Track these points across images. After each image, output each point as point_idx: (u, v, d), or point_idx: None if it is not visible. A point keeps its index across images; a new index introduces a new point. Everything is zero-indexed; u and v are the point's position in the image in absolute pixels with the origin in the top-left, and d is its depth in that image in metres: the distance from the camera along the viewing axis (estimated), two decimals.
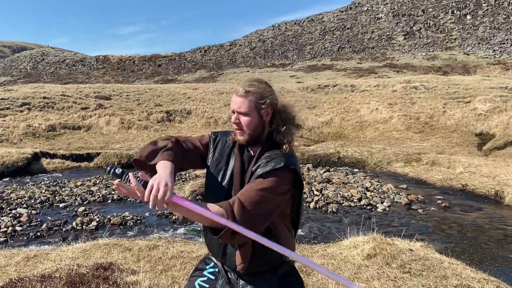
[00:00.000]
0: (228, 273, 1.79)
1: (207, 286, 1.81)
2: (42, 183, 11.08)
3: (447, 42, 65.78)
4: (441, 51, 62.06)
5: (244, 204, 1.55)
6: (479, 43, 62.59)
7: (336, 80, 32.39)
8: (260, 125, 1.75)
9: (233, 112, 1.76)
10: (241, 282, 1.76)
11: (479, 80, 25.49)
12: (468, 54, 57.82)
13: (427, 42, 67.28)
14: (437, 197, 9.21)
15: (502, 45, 59.75)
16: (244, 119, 1.73)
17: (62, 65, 79.91)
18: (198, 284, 1.83)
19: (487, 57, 54.77)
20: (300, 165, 13.02)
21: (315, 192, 9.59)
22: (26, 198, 9.13)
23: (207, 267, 1.86)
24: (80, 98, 24.45)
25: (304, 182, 1.86)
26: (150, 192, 1.45)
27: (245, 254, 1.71)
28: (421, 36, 70.34)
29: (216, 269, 1.84)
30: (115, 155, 14.38)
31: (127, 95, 26.52)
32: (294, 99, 24.61)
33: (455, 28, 69.73)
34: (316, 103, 24.05)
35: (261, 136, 1.76)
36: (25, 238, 6.77)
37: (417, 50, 64.64)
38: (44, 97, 23.45)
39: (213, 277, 1.83)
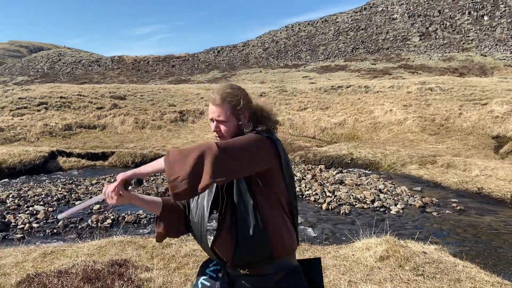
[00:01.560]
0: (228, 271, 1.82)
1: (208, 284, 1.84)
2: (59, 181, 11.27)
3: (463, 43, 64.85)
4: (458, 52, 61.22)
5: (228, 143, 1.61)
6: (496, 45, 61.57)
7: (349, 81, 32.21)
8: (238, 129, 1.82)
9: (212, 120, 1.84)
10: (239, 281, 1.78)
11: (496, 82, 25.08)
12: (485, 56, 56.91)
13: (443, 43, 66.44)
14: (452, 200, 9.11)
15: None
16: (223, 127, 1.82)
17: (78, 66, 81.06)
18: (201, 282, 1.87)
19: (504, 59, 53.83)
20: (313, 166, 13.04)
21: (328, 194, 9.56)
22: (43, 196, 9.31)
23: (210, 265, 1.90)
24: (95, 98, 24.80)
25: (296, 172, 1.87)
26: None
27: (228, 246, 1.72)
28: (437, 37, 69.49)
29: (219, 267, 1.87)
30: (130, 154, 14.56)
31: (141, 95, 26.80)
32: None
33: (472, 29, 68.70)
34: (329, 104, 23.96)
35: None
36: (42, 234, 6.90)
37: (433, 51, 63.87)
38: (61, 97, 23.84)
39: (214, 275, 1.86)
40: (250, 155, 1.62)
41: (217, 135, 1.84)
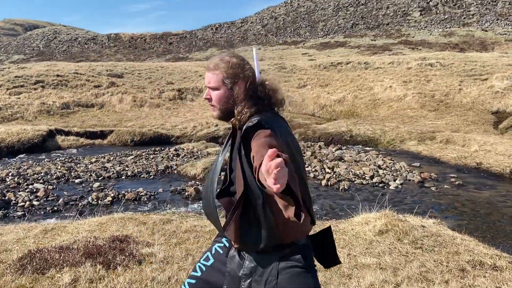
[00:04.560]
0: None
1: (221, 252, 1.87)
2: (58, 159, 11.27)
3: (464, 18, 63.96)
4: (458, 27, 60.43)
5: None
6: (497, 19, 60.74)
7: (349, 58, 31.88)
8: (230, 99, 1.72)
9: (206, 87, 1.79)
10: (247, 256, 1.75)
11: (496, 57, 24.84)
12: (486, 31, 56.21)
13: (444, 18, 65.50)
14: (451, 175, 9.14)
15: None
16: (214, 94, 1.75)
17: (74, 43, 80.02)
18: (215, 248, 1.90)
19: (505, 34, 53.18)
20: (312, 143, 13.03)
21: (327, 170, 9.59)
22: (42, 174, 9.32)
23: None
24: (92, 76, 24.57)
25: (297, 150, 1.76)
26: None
27: (234, 232, 1.69)
28: (438, 12, 68.46)
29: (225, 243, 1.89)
30: (128, 133, 14.52)
31: (139, 73, 26.55)
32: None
33: (473, 3, 67.63)
34: (329, 81, 23.78)
35: (234, 111, 1.73)
36: (42, 212, 6.94)
37: (434, 26, 63.03)
38: (58, 75, 23.61)
39: (228, 244, 1.87)
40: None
41: (208, 103, 1.79)
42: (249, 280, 1.73)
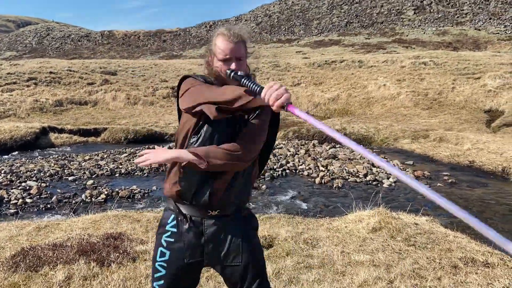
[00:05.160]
0: (192, 218, 1.81)
1: (172, 240, 1.83)
2: (51, 157, 11.20)
3: (458, 17, 64.33)
4: (452, 26, 60.78)
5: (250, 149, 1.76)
6: (490, 18, 61.16)
7: (343, 56, 31.95)
8: (247, 68, 1.86)
9: (226, 59, 1.77)
10: (206, 222, 1.80)
11: (489, 56, 25.04)
12: (479, 30, 56.59)
13: (437, 17, 65.84)
14: (444, 173, 9.21)
15: None
16: (239, 64, 1.78)
17: (67, 40, 79.46)
18: (164, 240, 1.85)
19: (498, 33, 53.60)
20: (306, 142, 13.07)
21: (321, 168, 9.61)
22: (35, 171, 9.26)
23: (168, 221, 1.86)
24: (86, 73, 24.42)
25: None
26: (270, 90, 1.51)
27: (220, 186, 1.76)
28: (432, 10, 68.79)
29: (175, 222, 1.84)
30: (122, 131, 14.46)
31: (132, 71, 26.44)
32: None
33: (466, 2, 68.03)
34: (323, 79, 23.83)
35: None
36: (36, 210, 6.90)
37: (427, 25, 63.34)
38: (51, 72, 23.44)
39: (175, 230, 1.84)
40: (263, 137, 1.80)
41: (233, 74, 1.76)
42: (212, 244, 1.82)
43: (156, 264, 1.85)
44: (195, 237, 1.81)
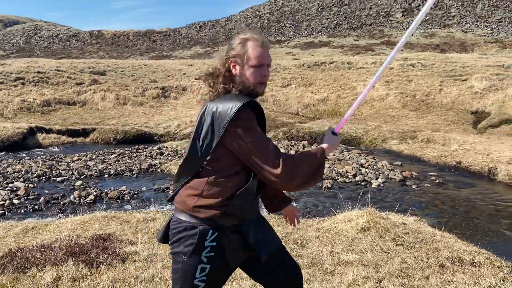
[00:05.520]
0: (230, 227, 1.84)
1: (212, 254, 1.79)
2: (39, 157, 11.08)
3: (445, 20, 65.11)
4: (439, 28, 61.50)
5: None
6: (477, 21, 62.02)
7: (332, 57, 32.10)
8: None
9: (260, 65, 1.79)
10: (245, 225, 1.87)
11: (476, 58, 25.38)
12: (466, 32, 57.36)
13: (425, 19, 66.47)
14: (431, 173, 9.32)
15: (500, 23, 59.24)
16: (268, 71, 1.84)
17: (55, 40, 78.57)
18: (205, 257, 1.79)
19: (484, 35, 54.39)
20: (296, 142, 13.11)
21: None
22: (23, 172, 9.15)
23: (207, 237, 1.78)
24: (74, 73, 24.18)
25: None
26: None
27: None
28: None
29: (214, 236, 1.78)
30: (111, 131, 14.36)
31: (122, 71, 26.24)
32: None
33: (453, 5, 68.90)
34: (312, 80, 23.92)
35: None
36: (23, 211, 6.82)
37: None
38: (38, 72, 23.16)
39: (214, 243, 1.80)
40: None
41: (264, 81, 1.82)
42: (253, 240, 1.89)
43: (195, 281, 1.79)
44: (236, 242, 1.85)
